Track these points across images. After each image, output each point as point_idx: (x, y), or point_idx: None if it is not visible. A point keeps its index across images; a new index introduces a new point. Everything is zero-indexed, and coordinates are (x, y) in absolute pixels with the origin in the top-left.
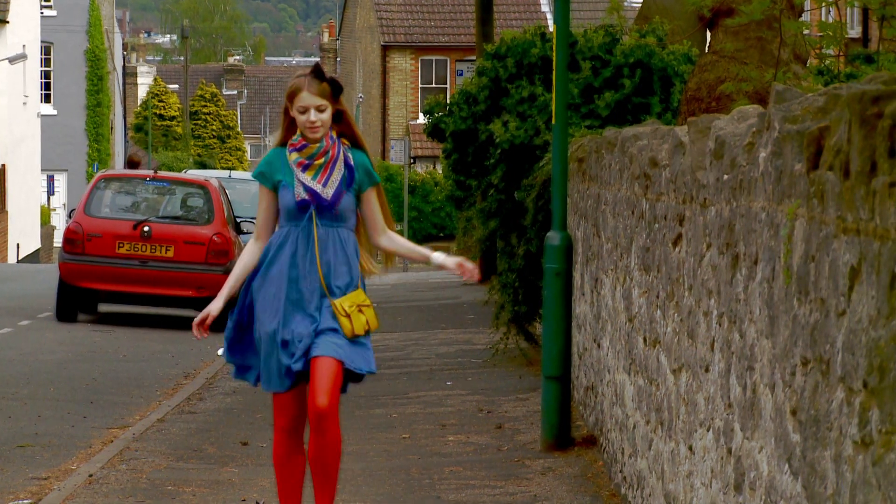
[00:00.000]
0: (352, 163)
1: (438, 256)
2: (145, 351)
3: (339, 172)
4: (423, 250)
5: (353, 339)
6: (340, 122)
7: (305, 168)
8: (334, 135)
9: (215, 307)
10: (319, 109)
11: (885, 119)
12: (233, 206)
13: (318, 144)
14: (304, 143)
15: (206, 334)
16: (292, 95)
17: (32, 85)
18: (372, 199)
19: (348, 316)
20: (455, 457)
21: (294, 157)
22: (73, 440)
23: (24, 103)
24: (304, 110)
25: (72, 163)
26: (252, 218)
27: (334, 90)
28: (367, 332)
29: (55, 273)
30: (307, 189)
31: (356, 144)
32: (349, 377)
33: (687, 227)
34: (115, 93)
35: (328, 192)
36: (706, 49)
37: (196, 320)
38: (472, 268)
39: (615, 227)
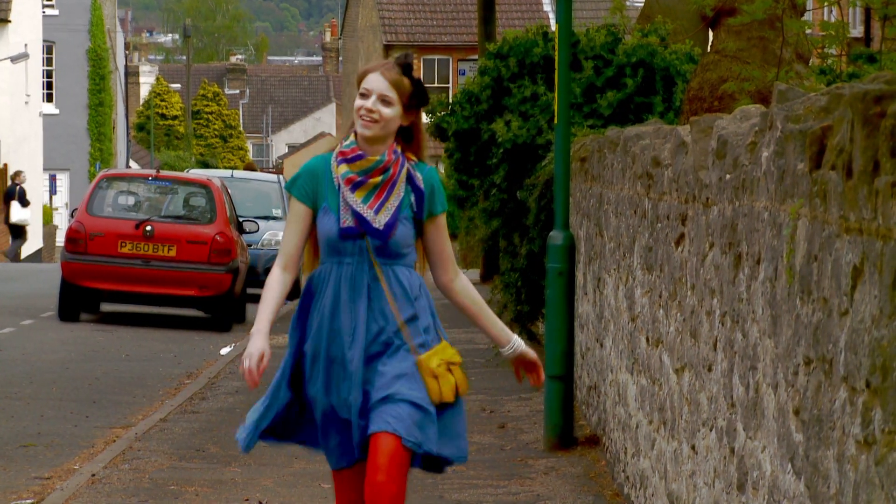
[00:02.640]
0: (420, 183)
1: (518, 345)
2: (148, 350)
3: (397, 197)
4: (502, 326)
5: (442, 410)
6: (409, 141)
7: (356, 187)
8: (398, 148)
9: (264, 347)
10: (384, 100)
11: (887, 119)
12: (235, 206)
13: (376, 158)
14: (357, 153)
15: (258, 378)
16: (360, 79)
17: (34, 84)
18: (438, 228)
19: (437, 377)
20: None
21: (343, 170)
22: (76, 440)
23: (26, 103)
24: (367, 94)
25: (74, 162)
26: (254, 217)
27: (417, 93)
28: (458, 399)
29: (57, 272)
30: (354, 214)
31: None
32: (435, 464)
33: (689, 227)
34: (117, 92)
35: (380, 220)
36: (708, 48)
37: (249, 366)
38: (538, 377)
39: (618, 227)
